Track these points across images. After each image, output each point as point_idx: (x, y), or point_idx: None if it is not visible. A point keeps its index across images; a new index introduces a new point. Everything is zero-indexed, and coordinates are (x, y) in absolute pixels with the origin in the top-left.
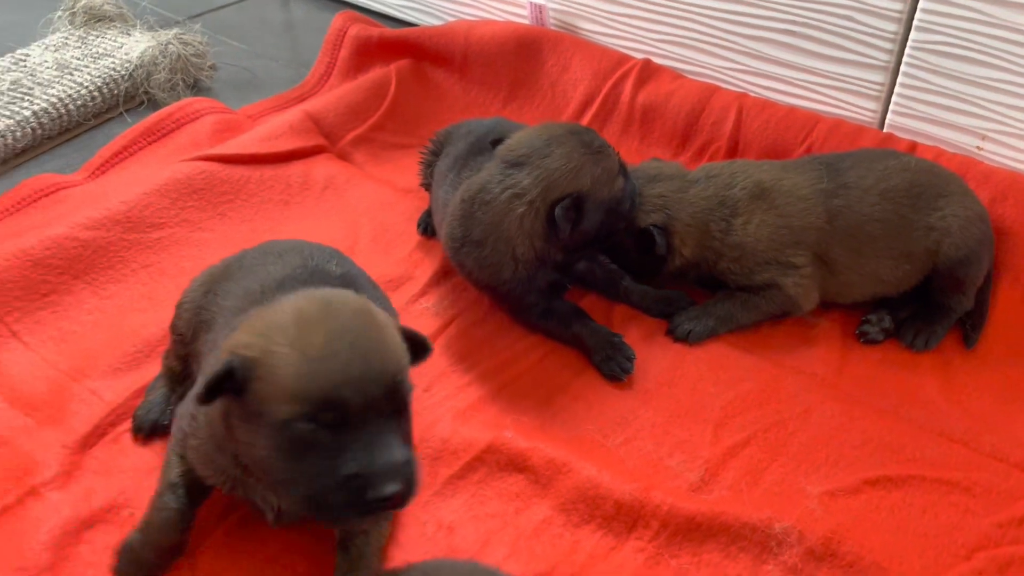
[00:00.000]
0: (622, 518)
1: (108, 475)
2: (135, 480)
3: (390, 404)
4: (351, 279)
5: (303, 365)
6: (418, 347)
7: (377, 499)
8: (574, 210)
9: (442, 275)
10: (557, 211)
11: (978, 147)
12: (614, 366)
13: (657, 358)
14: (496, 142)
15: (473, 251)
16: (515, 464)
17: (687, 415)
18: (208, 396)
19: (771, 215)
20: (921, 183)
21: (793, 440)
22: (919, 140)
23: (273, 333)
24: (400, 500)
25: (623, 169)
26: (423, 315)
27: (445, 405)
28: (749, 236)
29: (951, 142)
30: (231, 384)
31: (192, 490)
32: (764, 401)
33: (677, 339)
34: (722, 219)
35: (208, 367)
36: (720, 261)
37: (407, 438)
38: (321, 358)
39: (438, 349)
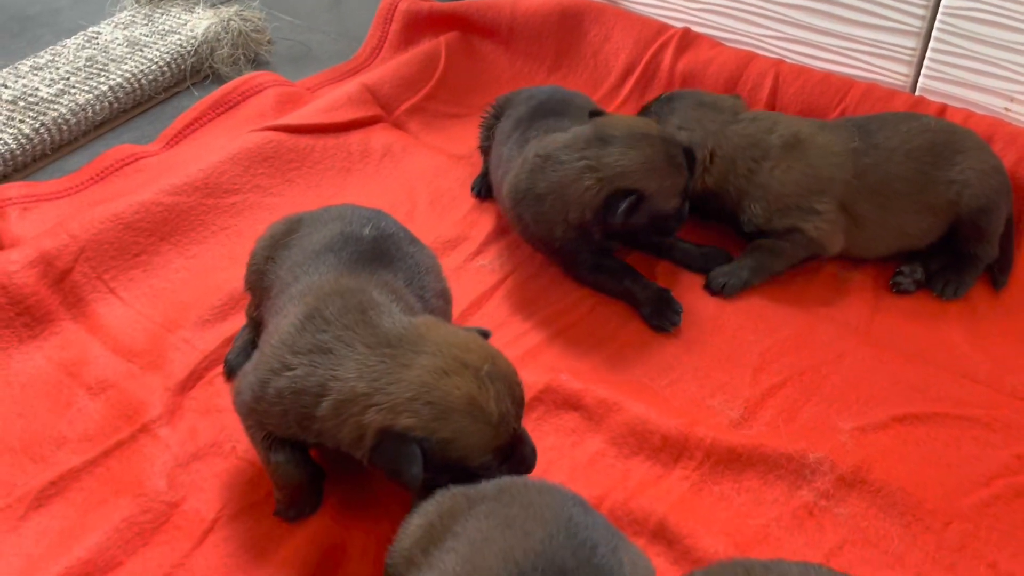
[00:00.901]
0: (668, 450)
1: (208, 414)
2: (233, 419)
3: None
4: (384, 239)
5: (492, 431)
6: None
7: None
8: (632, 204)
9: (497, 234)
10: (623, 205)
11: (1006, 108)
12: (664, 319)
13: (699, 310)
14: (595, 113)
15: (533, 204)
16: (570, 403)
17: (728, 360)
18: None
19: (800, 163)
20: (941, 141)
21: (826, 382)
22: (949, 103)
23: (455, 416)
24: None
25: (686, 192)
26: (480, 272)
27: (505, 352)
28: (775, 180)
29: (980, 104)
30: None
31: (282, 441)
32: (800, 347)
33: (714, 293)
34: (752, 159)
35: (391, 455)
36: (743, 199)
37: None
38: (500, 420)
39: (496, 302)
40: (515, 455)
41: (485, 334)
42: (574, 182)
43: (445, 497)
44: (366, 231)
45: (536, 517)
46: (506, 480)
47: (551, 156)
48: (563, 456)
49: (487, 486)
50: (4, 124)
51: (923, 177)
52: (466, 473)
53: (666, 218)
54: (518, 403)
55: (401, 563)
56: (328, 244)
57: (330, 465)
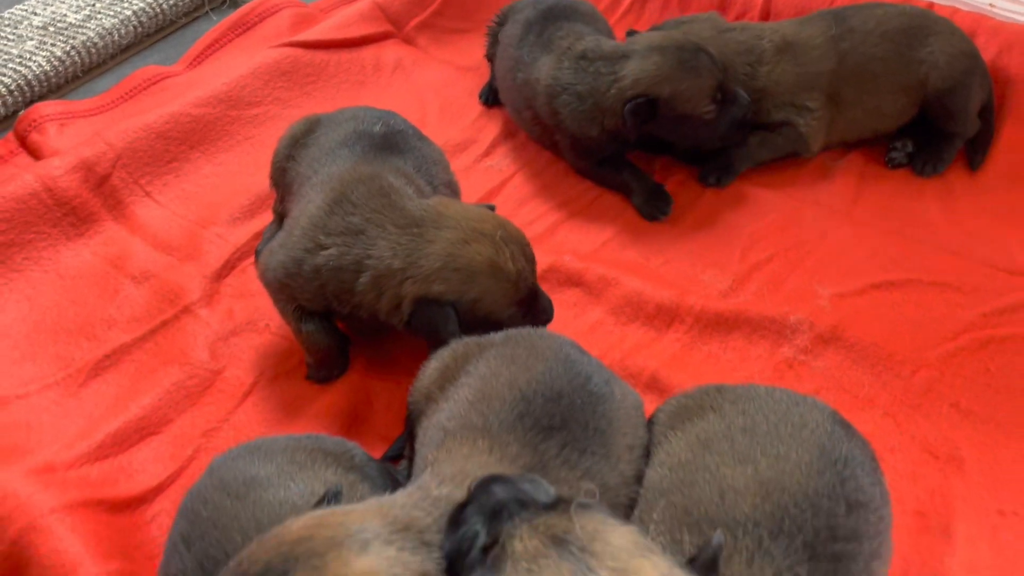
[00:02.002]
0: (662, 316)
1: (242, 298)
2: (265, 301)
3: None
4: (394, 134)
5: (512, 286)
6: None
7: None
8: (645, 110)
9: (504, 137)
10: (628, 106)
11: (990, 4)
12: (655, 209)
13: (693, 200)
14: (631, 32)
15: (572, 101)
16: (572, 280)
17: (718, 241)
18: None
19: (792, 63)
20: (915, 24)
21: (810, 257)
22: (936, 0)
23: (479, 277)
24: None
25: (726, 95)
26: (488, 171)
27: None
28: (772, 81)
29: (965, 1)
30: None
31: (311, 312)
32: (786, 228)
33: (708, 186)
34: (747, 64)
35: (428, 317)
36: None
37: None
38: (518, 276)
39: (504, 197)
40: (535, 307)
41: (492, 208)
42: (604, 93)
43: (459, 345)
44: (377, 128)
45: (537, 355)
46: (512, 330)
47: (592, 62)
48: (566, 326)
49: (495, 335)
50: (36, 48)
51: (897, 57)
52: (496, 328)
53: (705, 122)
54: (531, 261)
55: (421, 400)
56: (343, 140)
57: (354, 334)
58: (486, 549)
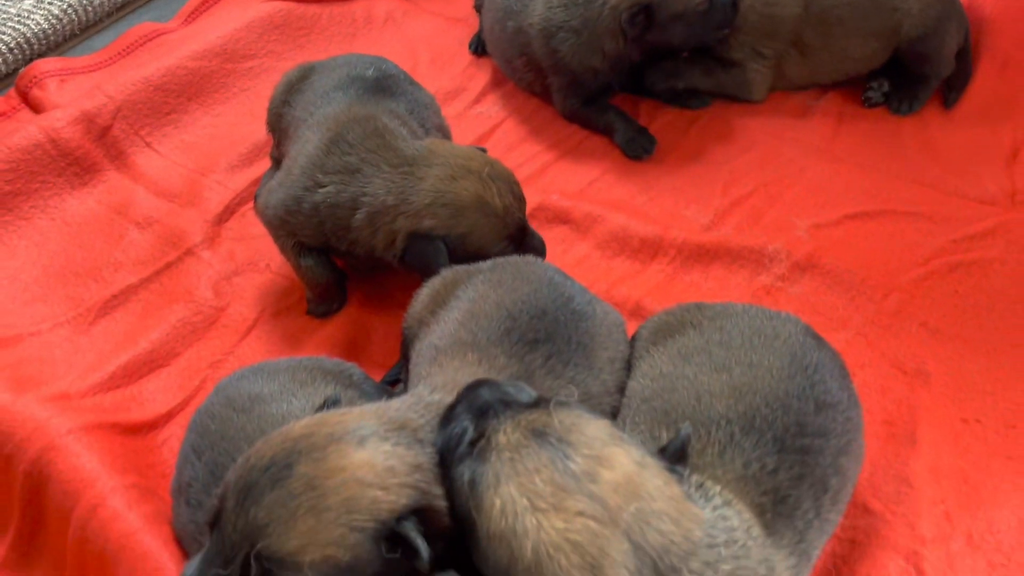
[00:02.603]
0: (646, 250)
1: (243, 240)
2: (266, 243)
3: None
4: (386, 78)
5: (500, 221)
6: None
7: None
8: (641, 19)
9: (493, 85)
10: (624, 17)
11: None
12: (637, 149)
13: (677, 140)
14: None
15: (570, 37)
16: (560, 218)
17: (701, 179)
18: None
19: (759, 6)
20: None
21: (789, 192)
22: None
23: (467, 212)
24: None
25: None
26: (478, 118)
27: None
28: (740, 18)
29: None
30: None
31: (309, 248)
32: (766, 165)
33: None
34: None
35: (418, 252)
36: None
37: None
38: (505, 212)
39: (494, 141)
40: (525, 244)
41: (483, 150)
42: (598, 19)
43: (449, 272)
44: (370, 72)
45: (523, 278)
46: (499, 258)
47: None
48: (554, 261)
49: (484, 263)
50: (34, 6)
51: (868, 2)
52: None
53: (699, 17)
54: (519, 198)
55: (414, 325)
56: (337, 84)
57: (351, 270)
58: (473, 443)
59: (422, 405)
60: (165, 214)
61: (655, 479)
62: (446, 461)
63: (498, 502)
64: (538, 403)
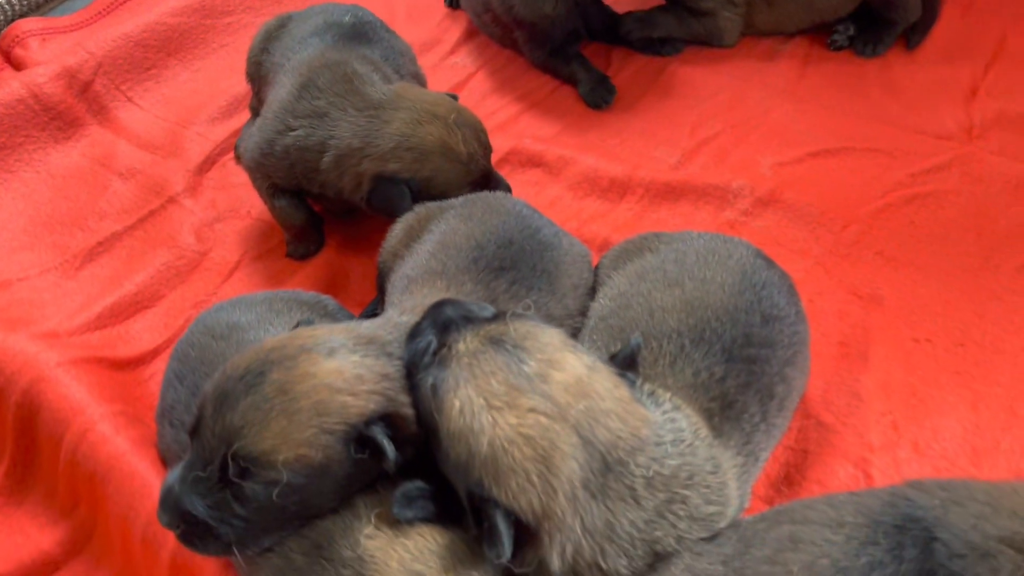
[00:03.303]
0: (615, 189)
1: (224, 189)
2: (246, 191)
3: None
4: (362, 24)
5: (464, 168)
6: None
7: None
8: None
9: (467, 37)
10: None
11: None
12: (597, 97)
13: (648, 87)
14: None
15: None
16: (533, 161)
17: (670, 122)
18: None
19: None
20: None
21: (754, 132)
22: None
23: (431, 157)
24: None
25: None
26: (453, 68)
27: None
28: None
29: None
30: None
31: (283, 189)
32: (733, 107)
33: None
34: None
35: (378, 194)
36: None
37: None
38: (469, 158)
39: (469, 90)
40: (490, 189)
41: (454, 97)
42: None
43: (422, 208)
44: (346, 18)
45: (492, 212)
46: (471, 195)
47: None
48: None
49: (456, 199)
50: None
51: None
52: None
53: None
54: (484, 146)
55: (389, 259)
56: (313, 31)
57: (328, 214)
58: (436, 354)
59: (391, 324)
60: (147, 165)
61: (605, 381)
62: (412, 372)
63: (457, 403)
64: (497, 317)
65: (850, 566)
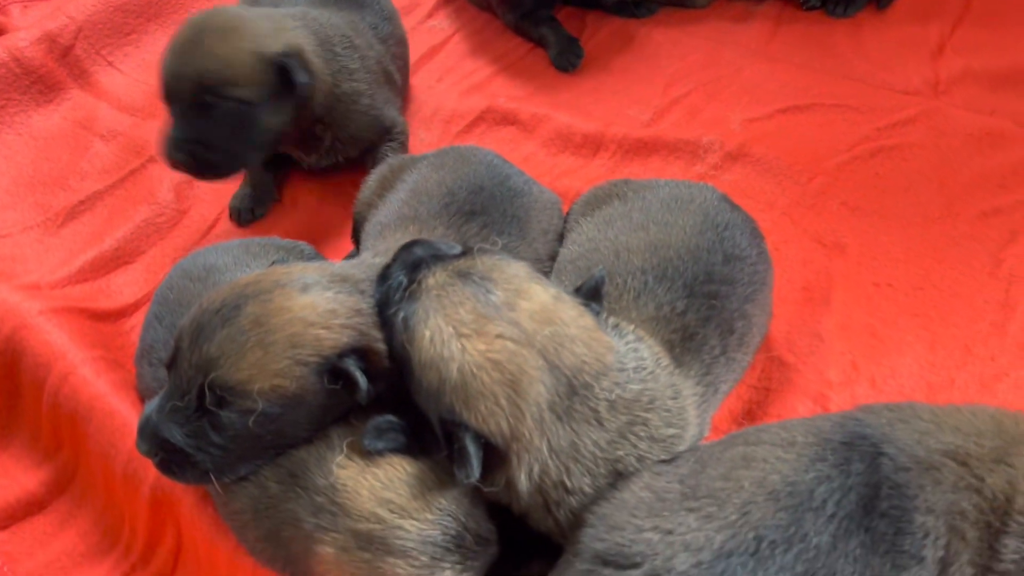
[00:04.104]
0: (589, 146)
1: None
2: None
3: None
4: None
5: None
6: None
7: None
8: None
9: (444, 1)
10: None
11: None
12: (565, 60)
13: (623, 48)
14: None
15: None
16: (507, 120)
17: (643, 80)
18: None
19: None
20: None
21: (725, 91)
22: None
23: None
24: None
25: None
26: (432, 31)
27: (453, 89)
28: None
29: None
30: None
31: None
32: (705, 67)
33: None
34: None
35: None
36: None
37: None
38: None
39: (447, 52)
40: None
41: None
42: None
43: (395, 159)
44: None
45: (464, 160)
46: (444, 147)
47: None
48: None
49: (429, 152)
50: None
51: None
52: None
53: None
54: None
55: (364, 209)
56: None
57: (308, 170)
58: (407, 290)
59: (364, 265)
60: (128, 127)
61: (570, 310)
62: (384, 308)
63: (427, 333)
64: (465, 253)
65: (799, 480)
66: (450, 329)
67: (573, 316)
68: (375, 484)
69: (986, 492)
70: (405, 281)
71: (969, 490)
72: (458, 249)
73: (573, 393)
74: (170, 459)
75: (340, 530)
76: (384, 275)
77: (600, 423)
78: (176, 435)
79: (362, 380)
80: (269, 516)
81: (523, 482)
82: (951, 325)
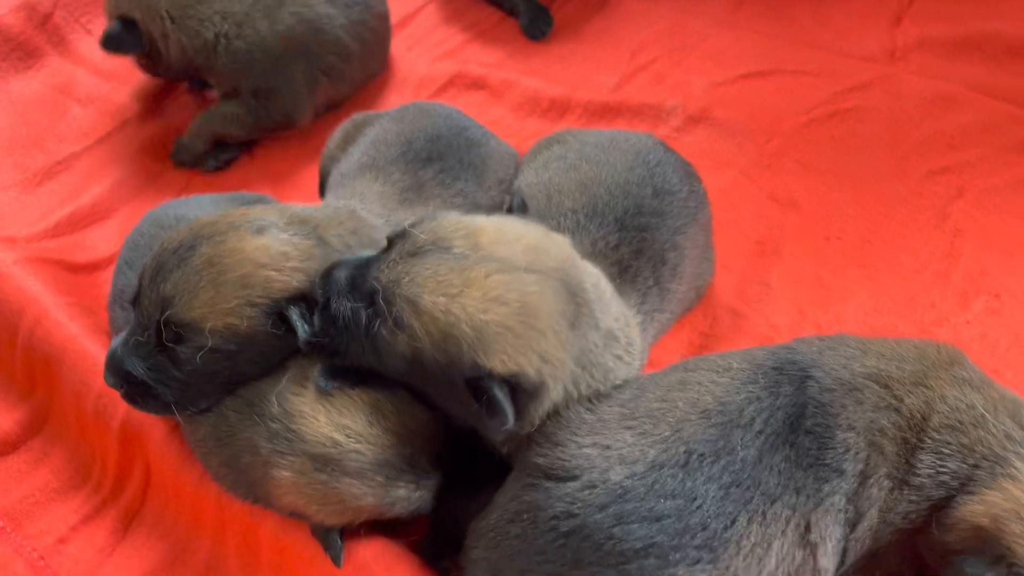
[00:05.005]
0: (555, 109)
1: (178, 111)
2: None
3: None
4: None
5: None
6: None
7: None
8: None
9: None
10: None
11: None
12: (535, 28)
13: (592, 17)
14: None
15: None
16: (477, 84)
17: (611, 48)
18: None
19: None
20: None
21: (690, 58)
22: None
23: None
24: None
25: None
26: (405, 1)
27: (425, 56)
28: None
29: None
30: None
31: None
32: (672, 35)
33: None
34: None
35: None
36: None
37: None
38: None
39: (421, 20)
40: None
41: None
42: None
43: (360, 115)
44: None
45: (423, 114)
46: (406, 104)
47: None
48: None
49: (392, 109)
50: None
51: None
52: None
53: None
54: None
55: (328, 162)
56: None
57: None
58: (369, 314)
59: (325, 207)
60: (105, 92)
61: (517, 225)
62: (359, 334)
63: (425, 317)
64: (391, 242)
65: (730, 401)
66: (441, 299)
67: (523, 228)
68: (331, 410)
69: (904, 411)
70: (361, 303)
71: (888, 409)
72: (368, 252)
73: (572, 295)
74: (134, 391)
75: (296, 454)
76: (331, 316)
77: (596, 324)
78: (138, 368)
79: (302, 330)
80: (229, 444)
81: (554, 401)
82: (896, 275)
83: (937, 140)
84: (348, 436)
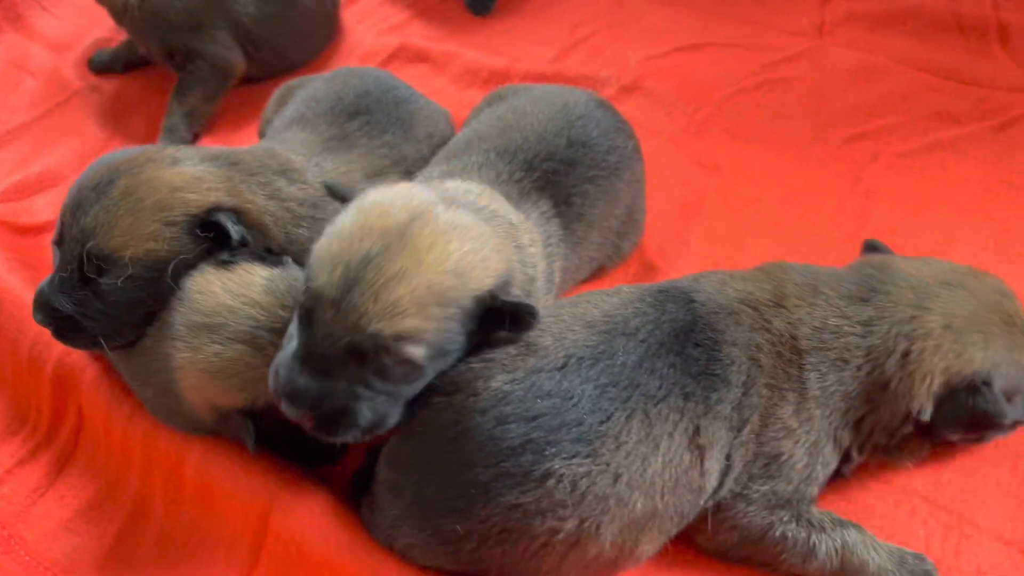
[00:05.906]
0: (495, 80)
1: (128, 84)
2: (150, 87)
3: None
4: None
5: None
6: None
7: None
8: None
9: None
10: None
11: None
12: (478, 5)
13: None
14: None
15: None
16: (420, 57)
17: (553, 23)
18: None
19: None
20: None
21: (628, 33)
22: None
23: None
24: None
25: None
26: None
27: (372, 30)
28: None
29: None
30: None
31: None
32: (612, 10)
33: None
34: None
35: None
36: None
37: None
38: None
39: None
40: None
41: None
42: None
43: (294, 80)
44: None
45: (354, 75)
46: (339, 68)
47: None
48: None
49: (322, 74)
50: None
51: None
52: None
53: None
54: None
55: (264, 125)
56: None
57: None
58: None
59: (247, 148)
60: (58, 65)
61: (422, 190)
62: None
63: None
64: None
65: (616, 314)
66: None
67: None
68: (229, 282)
69: (773, 331)
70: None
71: (761, 329)
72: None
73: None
74: (62, 326)
75: (193, 330)
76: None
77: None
78: (65, 304)
79: (234, 229)
80: (155, 371)
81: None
82: (810, 234)
83: (858, 109)
84: (244, 304)
